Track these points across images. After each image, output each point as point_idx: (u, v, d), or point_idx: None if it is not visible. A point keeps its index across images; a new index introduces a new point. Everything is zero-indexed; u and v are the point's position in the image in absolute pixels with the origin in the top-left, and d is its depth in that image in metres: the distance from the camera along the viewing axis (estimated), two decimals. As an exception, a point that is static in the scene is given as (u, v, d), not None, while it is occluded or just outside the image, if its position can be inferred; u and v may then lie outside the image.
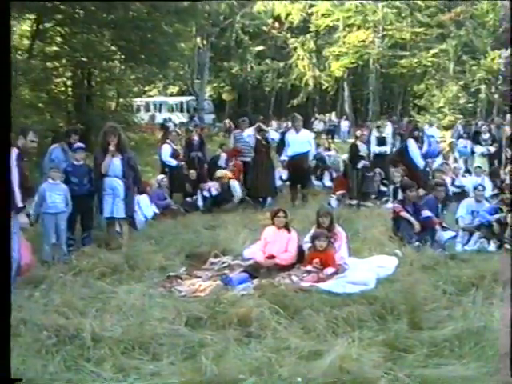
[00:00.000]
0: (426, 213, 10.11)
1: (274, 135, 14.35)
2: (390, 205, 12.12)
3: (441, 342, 5.65)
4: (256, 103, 48.25)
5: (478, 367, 5.11)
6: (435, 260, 8.59)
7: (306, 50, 42.16)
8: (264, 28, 43.11)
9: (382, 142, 14.83)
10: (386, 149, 14.74)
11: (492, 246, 9.97)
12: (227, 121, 32.61)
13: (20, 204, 7.17)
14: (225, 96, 47.05)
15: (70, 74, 25.82)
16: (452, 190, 13.74)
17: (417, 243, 9.50)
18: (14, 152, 7.20)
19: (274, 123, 31.70)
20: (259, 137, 13.68)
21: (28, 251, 8.05)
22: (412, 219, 9.87)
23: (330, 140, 28.26)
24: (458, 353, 5.45)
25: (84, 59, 23.15)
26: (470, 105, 39.31)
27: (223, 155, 15.39)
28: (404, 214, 9.97)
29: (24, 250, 7.76)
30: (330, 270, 7.89)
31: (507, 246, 9.80)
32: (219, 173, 13.82)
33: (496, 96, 39.26)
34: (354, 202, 13.42)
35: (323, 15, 40.71)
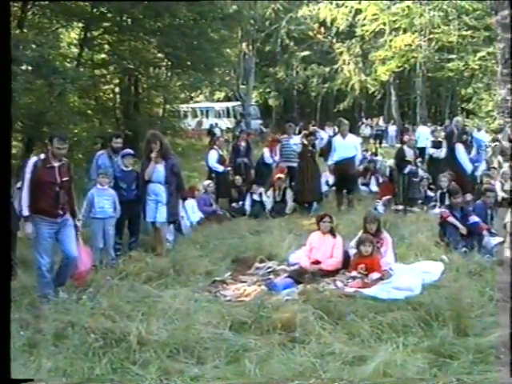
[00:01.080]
0: (474, 218, 9.99)
1: (323, 135, 14.29)
2: (436, 210, 11.98)
3: (487, 349, 5.62)
4: (302, 108, 48.22)
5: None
6: (482, 266, 8.48)
7: (351, 54, 42.00)
8: (309, 33, 43.07)
9: (437, 145, 14.77)
10: (441, 153, 14.64)
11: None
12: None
13: (26, 212, 7.25)
14: (271, 101, 47.16)
15: (117, 81, 26.22)
16: (501, 195, 13.55)
17: (463, 249, 9.39)
18: (33, 159, 7.37)
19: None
20: (306, 142, 13.72)
21: (88, 257, 8.18)
22: (459, 224, 9.77)
23: (377, 145, 28.19)
24: (504, 360, 5.41)
25: (131, 66, 23.46)
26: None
27: (266, 150, 15.33)
28: (451, 219, 9.86)
29: (85, 256, 7.93)
30: (375, 276, 7.87)
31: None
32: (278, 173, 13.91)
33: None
34: (401, 207, 13.33)
35: (369, 19, 40.54)
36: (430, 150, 14.79)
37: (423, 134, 19.32)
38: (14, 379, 4.33)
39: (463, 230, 9.68)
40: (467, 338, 5.93)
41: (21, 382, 4.56)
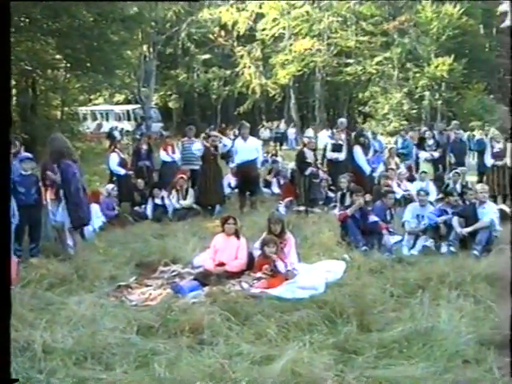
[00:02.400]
0: (373, 218, 10.32)
1: (227, 142, 14.34)
2: (337, 210, 12.27)
3: (390, 343, 5.78)
4: (203, 111, 48.16)
5: (427, 367, 5.25)
6: (382, 264, 8.78)
7: (252, 58, 42.32)
8: (210, 36, 43.12)
9: (337, 148, 15.11)
10: (341, 155, 14.99)
11: (444, 248, 10.21)
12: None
13: None
14: (171, 104, 46.86)
15: (13, 82, 25.40)
16: (400, 194, 14.02)
17: (364, 247, 9.69)
18: None
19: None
20: (207, 144, 13.72)
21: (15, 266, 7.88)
22: (353, 225, 10.11)
23: (277, 147, 28.53)
24: (406, 353, 5.59)
25: (28, 68, 22.81)
26: (414, 111, 40.02)
27: (161, 150, 15.30)
28: (349, 221, 10.17)
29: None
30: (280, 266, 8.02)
31: (452, 248, 10.08)
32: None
33: (439, 102, 40.08)
34: (302, 208, 13.57)
35: (270, 24, 40.96)
36: (329, 154, 15.12)
37: (322, 137, 19.69)
38: (14, 379, 4.19)
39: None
40: (371, 334, 6.10)
41: (14, 381, 4.42)
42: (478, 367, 5.28)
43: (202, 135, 14.34)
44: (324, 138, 18.55)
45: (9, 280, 4.03)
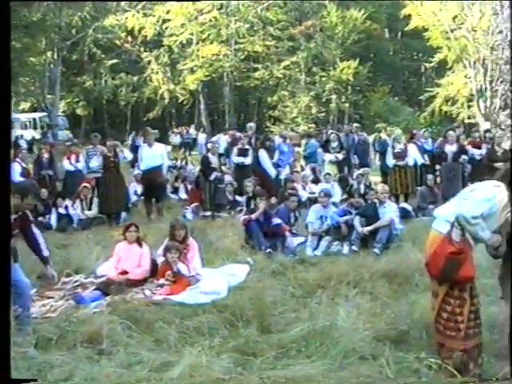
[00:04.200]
0: (276, 220, 10.47)
1: (127, 155, 14.17)
2: (243, 214, 12.34)
3: (288, 344, 5.84)
4: (112, 118, 47.47)
5: (324, 365, 5.31)
6: (284, 265, 8.89)
7: (160, 63, 42.05)
8: (117, 42, 42.56)
9: (243, 153, 15.20)
10: (247, 160, 15.09)
11: (346, 249, 10.46)
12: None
13: None
14: (79, 111, 45.95)
15: None
16: (305, 196, 14.23)
17: (268, 250, 9.80)
18: None
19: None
20: (108, 153, 13.52)
21: None
22: (258, 228, 10.22)
23: (187, 153, 28.46)
24: (304, 353, 5.66)
25: None
26: (322, 114, 40.71)
27: (64, 159, 15.06)
28: (253, 224, 10.29)
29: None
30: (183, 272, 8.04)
31: (354, 247, 10.33)
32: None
33: (346, 105, 40.93)
34: (208, 213, 13.63)
35: (177, 29, 40.80)
36: (235, 158, 15.22)
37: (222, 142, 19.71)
38: (14, 379, 4.07)
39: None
40: (271, 335, 6.15)
41: (21, 381, 4.29)
42: (374, 363, 5.38)
43: (107, 143, 14.05)
44: (223, 142, 18.59)
45: (8, 280, 4.00)
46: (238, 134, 16.99)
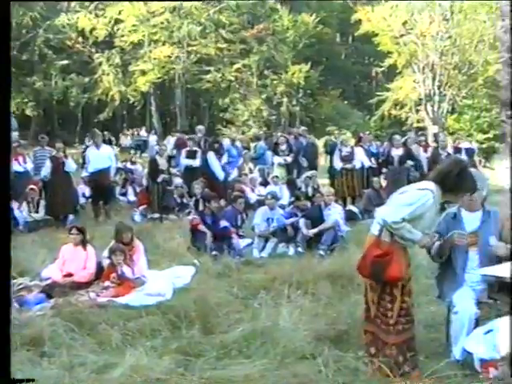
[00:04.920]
0: (223, 223, 10.56)
1: (71, 165, 13.92)
2: (191, 217, 12.39)
3: (230, 344, 5.90)
4: (62, 119, 46.84)
5: (263, 364, 5.37)
6: (230, 267, 8.98)
7: (111, 65, 41.68)
8: (68, 42, 42.03)
9: (191, 155, 15.22)
10: (195, 162, 15.12)
11: (291, 251, 10.61)
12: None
13: None
14: (28, 112, 45.20)
15: None
16: (254, 199, 14.34)
17: (214, 252, 9.88)
18: None
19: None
20: (56, 155, 13.38)
21: None
22: (205, 230, 10.30)
23: (137, 155, 28.32)
24: (245, 353, 5.72)
25: None
26: (273, 117, 40.92)
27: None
28: (200, 226, 10.35)
29: None
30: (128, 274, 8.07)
31: (299, 249, 10.48)
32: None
33: (297, 108, 41.22)
34: (156, 215, 13.62)
35: (129, 30, 40.51)
36: (184, 160, 15.26)
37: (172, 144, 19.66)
38: (14, 379, 4.05)
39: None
40: (213, 336, 6.20)
41: (21, 381, 4.27)
42: (313, 362, 5.47)
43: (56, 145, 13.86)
44: (172, 145, 18.56)
45: (8, 280, 4.04)
46: (186, 137, 16.97)
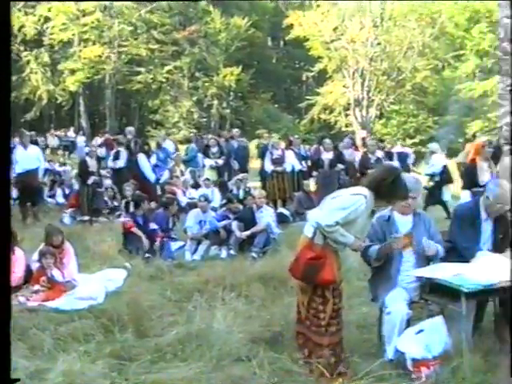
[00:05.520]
0: (153, 225, 10.50)
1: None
2: (122, 219, 12.26)
3: (164, 347, 5.86)
4: (-13, 118, 45.56)
5: (199, 367, 5.35)
6: (162, 270, 8.94)
7: (39, 63, 40.80)
8: (-6, 40, 40.86)
9: (116, 156, 15.06)
10: (119, 163, 14.95)
11: (224, 253, 10.63)
12: None
13: None
14: None
15: None
16: (185, 201, 14.29)
17: (146, 255, 9.81)
18: None
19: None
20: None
21: None
22: (140, 232, 10.21)
23: (65, 156, 27.83)
24: (180, 356, 5.68)
25: None
26: (203, 119, 40.86)
27: None
28: (134, 229, 10.27)
29: None
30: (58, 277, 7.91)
31: (232, 251, 10.52)
32: None
33: (228, 111, 41.28)
34: (86, 218, 13.43)
35: (59, 29, 39.73)
36: (110, 163, 15.10)
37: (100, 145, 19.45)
38: (14, 379, 3.80)
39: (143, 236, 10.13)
40: (147, 339, 6.14)
41: (14, 381, 3.96)
42: (248, 364, 5.49)
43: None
44: (101, 146, 18.35)
45: (8, 279, 3.85)
46: (114, 138, 16.78)
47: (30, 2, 17.89)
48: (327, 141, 15.69)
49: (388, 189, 5.13)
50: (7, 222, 3.95)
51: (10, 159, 4.74)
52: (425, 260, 5.77)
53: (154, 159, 15.18)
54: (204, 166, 17.09)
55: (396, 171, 5.38)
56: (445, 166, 15.54)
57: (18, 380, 4.19)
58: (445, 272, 5.38)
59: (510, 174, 7.67)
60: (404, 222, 5.82)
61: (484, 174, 9.33)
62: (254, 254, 10.18)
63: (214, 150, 16.84)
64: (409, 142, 32.05)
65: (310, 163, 16.62)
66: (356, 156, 16.34)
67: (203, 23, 41.36)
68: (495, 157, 10.07)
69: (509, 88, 13.43)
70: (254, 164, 19.80)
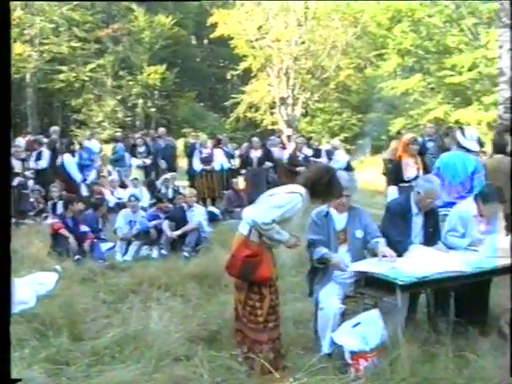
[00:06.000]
0: (84, 227, 10.35)
1: None
2: (50, 221, 12.01)
3: (102, 350, 5.79)
4: None
5: (138, 368, 5.31)
6: (94, 271, 8.82)
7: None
8: None
9: (38, 156, 14.75)
10: (42, 163, 14.64)
11: (155, 253, 10.58)
12: None
13: None
14: None
15: None
16: (113, 201, 14.12)
17: (77, 256, 9.66)
18: None
19: None
20: None
21: None
22: (68, 234, 10.06)
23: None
24: (118, 358, 5.63)
25: None
26: (128, 119, 40.35)
27: None
28: (62, 231, 10.09)
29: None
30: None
31: (163, 251, 10.48)
32: None
33: (153, 110, 40.90)
34: (12, 220, 13.04)
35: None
36: (32, 163, 14.77)
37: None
38: (14, 379, 3.82)
39: (71, 237, 9.94)
40: (83, 343, 6.05)
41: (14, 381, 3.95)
42: (188, 363, 5.48)
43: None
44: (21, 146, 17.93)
45: (9, 279, 3.85)
46: (35, 138, 16.38)
47: (30, 1, 17.37)
48: (256, 139, 15.83)
49: (323, 188, 5.22)
50: (7, 220, 3.89)
51: (9, 159, 4.74)
52: (360, 255, 5.90)
53: (76, 159, 14.90)
54: (131, 165, 16.87)
55: (331, 170, 5.48)
56: (348, 162, 16.02)
57: (19, 380, 4.13)
58: (380, 265, 5.51)
59: (504, 174, 7.98)
60: (340, 219, 5.94)
61: (410, 170, 9.58)
62: (186, 254, 10.18)
63: (141, 149, 16.69)
64: (334, 139, 32.48)
65: (238, 161, 16.70)
66: (283, 154, 16.52)
67: (127, 21, 40.80)
68: (420, 153, 10.35)
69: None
70: (182, 163, 19.73)
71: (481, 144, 10.42)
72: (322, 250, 5.71)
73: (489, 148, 12.72)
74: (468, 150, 8.56)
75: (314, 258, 5.80)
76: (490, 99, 27.60)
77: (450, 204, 7.62)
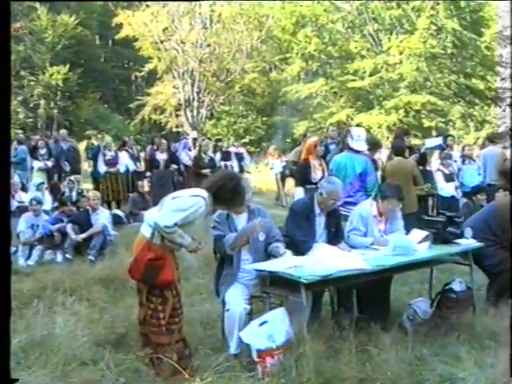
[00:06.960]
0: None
1: None
2: None
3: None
4: None
5: (45, 374, 5.21)
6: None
7: None
8: None
9: None
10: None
11: (59, 257, 10.40)
12: None
13: None
14: None
15: None
16: (14, 205, 13.72)
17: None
18: None
19: None
20: None
21: None
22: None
23: None
24: (24, 364, 5.51)
25: None
26: (30, 120, 39.28)
27: None
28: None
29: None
30: None
31: (67, 255, 10.32)
32: None
33: (55, 111, 39.98)
34: None
35: None
36: None
37: None
38: (14, 379, 3.76)
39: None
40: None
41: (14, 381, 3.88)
42: (94, 367, 5.44)
43: None
44: None
45: (9, 279, 3.83)
46: None
47: (30, 2, 16.45)
48: (162, 141, 15.77)
49: (228, 195, 5.24)
50: (7, 220, 3.78)
51: (9, 159, 4.56)
52: (262, 257, 6.00)
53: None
54: (32, 167, 16.46)
55: (236, 179, 5.47)
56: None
57: (17, 380, 3.98)
58: (284, 265, 5.64)
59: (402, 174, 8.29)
60: (240, 221, 6.02)
61: (316, 172, 9.84)
62: (91, 257, 10.07)
63: (43, 151, 16.33)
64: (239, 142, 32.72)
65: (143, 164, 16.61)
66: (189, 156, 16.56)
67: (29, 20, 39.68)
68: (323, 155, 10.63)
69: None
70: (85, 165, 19.42)
71: (376, 143, 10.75)
72: (231, 236, 5.79)
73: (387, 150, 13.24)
74: (356, 151, 8.90)
75: (226, 248, 5.81)
76: (391, 103, 28.62)
77: (349, 204, 7.93)
